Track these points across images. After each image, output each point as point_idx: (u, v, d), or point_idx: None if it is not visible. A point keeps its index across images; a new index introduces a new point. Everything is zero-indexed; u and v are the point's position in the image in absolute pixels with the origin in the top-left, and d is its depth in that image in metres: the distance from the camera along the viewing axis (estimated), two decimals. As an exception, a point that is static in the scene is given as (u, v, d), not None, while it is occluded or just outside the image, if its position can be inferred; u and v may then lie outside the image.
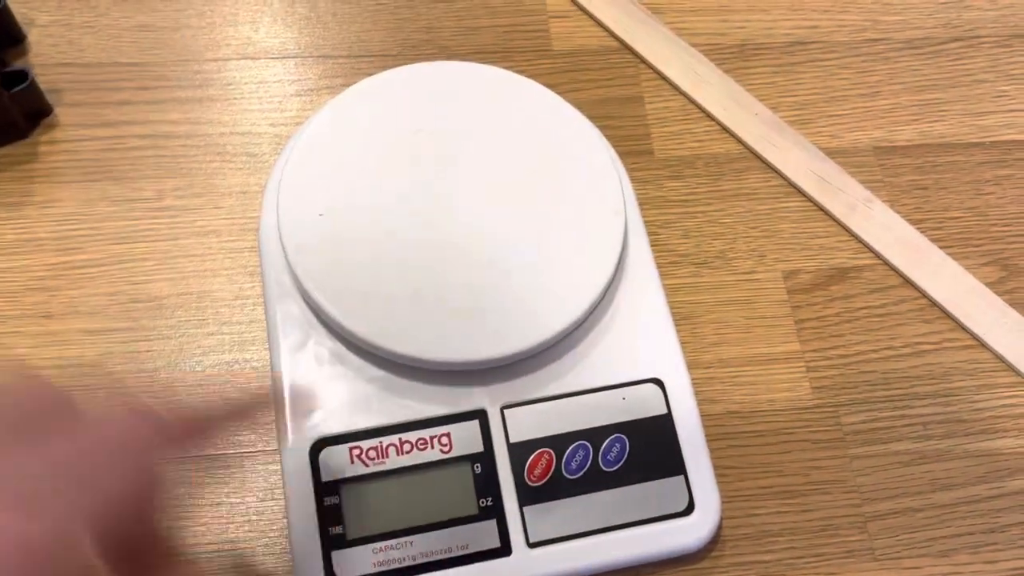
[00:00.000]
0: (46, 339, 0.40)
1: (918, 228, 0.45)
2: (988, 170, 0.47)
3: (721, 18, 0.50)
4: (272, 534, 0.37)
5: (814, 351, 0.42)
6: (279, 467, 0.37)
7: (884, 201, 0.46)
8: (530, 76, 0.43)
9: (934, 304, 0.43)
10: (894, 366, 0.42)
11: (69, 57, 0.46)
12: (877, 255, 0.44)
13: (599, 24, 0.49)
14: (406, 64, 0.43)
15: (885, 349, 0.43)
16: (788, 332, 0.43)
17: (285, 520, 0.36)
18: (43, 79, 0.44)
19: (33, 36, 0.46)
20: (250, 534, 0.37)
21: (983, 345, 0.43)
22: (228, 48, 0.47)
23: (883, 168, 0.47)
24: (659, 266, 0.41)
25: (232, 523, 0.37)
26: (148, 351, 0.40)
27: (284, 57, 0.47)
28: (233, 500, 0.37)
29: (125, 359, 0.39)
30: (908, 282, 0.44)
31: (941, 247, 0.45)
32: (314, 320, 0.38)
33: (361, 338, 0.37)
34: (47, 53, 0.45)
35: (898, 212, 0.46)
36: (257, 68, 0.47)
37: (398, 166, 0.40)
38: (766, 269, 0.44)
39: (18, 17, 0.45)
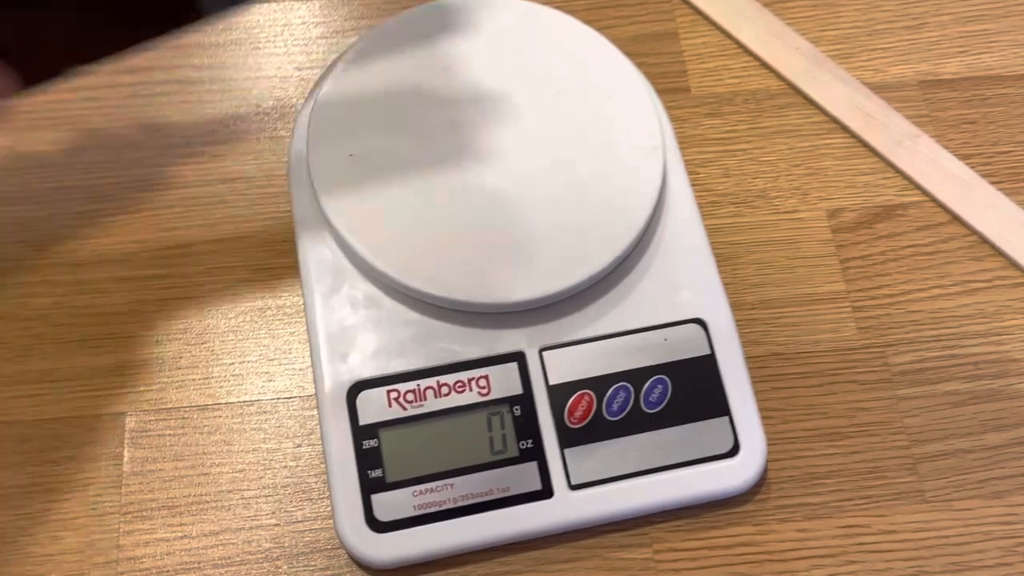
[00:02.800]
0: (77, 287, 0.39)
1: (967, 163, 0.43)
2: (1039, 103, 0.45)
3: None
4: (311, 480, 0.36)
5: (860, 291, 0.41)
6: (316, 412, 0.37)
7: (931, 136, 0.44)
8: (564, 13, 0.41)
9: (984, 241, 0.42)
10: (943, 305, 0.41)
11: (90, 3, 0.45)
12: (924, 192, 0.43)
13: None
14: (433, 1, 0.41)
15: (934, 288, 0.41)
16: (833, 272, 0.41)
17: (323, 465, 0.36)
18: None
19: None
20: (288, 480, 0.36)
21: (1036, 282, 0.41)
22: (251, -9, 0.46)
23: (929, 102, 0.45)
24: (699, 206, 0.40)
25: (270, 469, 0.37)
26: (178, 298, 0.39)
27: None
28: (270, 446, 0.37)
29: (157, 306, 0.39)
30: (956, 219, 0.42)
31: (991, 182, 0.43)
32: (347, 263, 0.37)
33: (396, 281, 0.36)
34: None
35: (945, 147, 0.44)
36: (281, 11, 0.45)
37: (428, 105, 0.39)
38: (809, 208, 0.43)
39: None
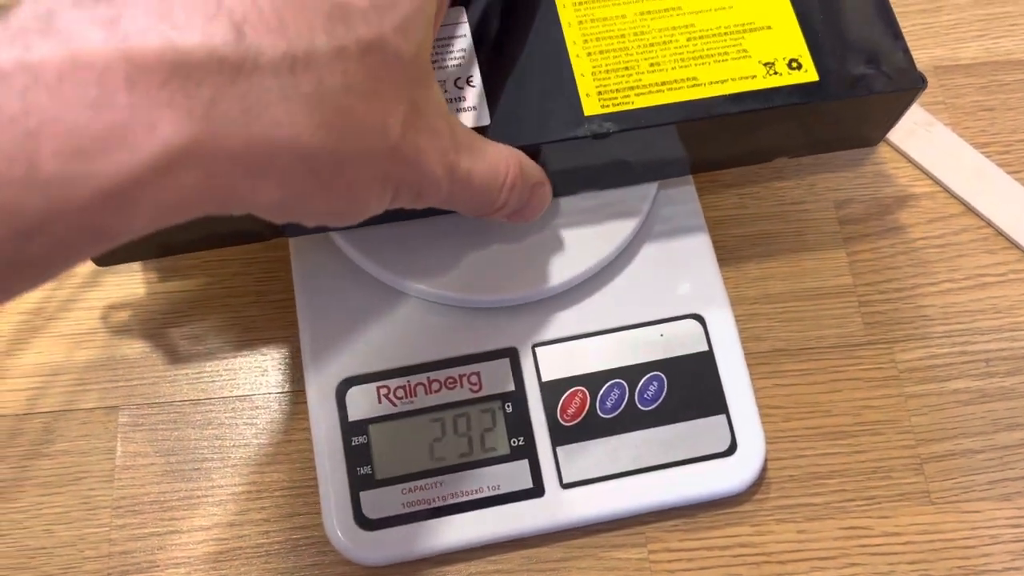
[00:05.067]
0: (69, 280, 0.39)
1: (983, 152, 0.42)
2: (1061, 88, 0.43)
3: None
4: (301, 476, 0.36)
5: (867, 284, 0.40)
6: (306, 407, 0.37)
7: (946, 124, 0.42)
8: None
9: (999, 233, 0.40)
10: (954, 299, 0.39)
11: None
12: (937, 181, 0.41)
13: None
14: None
15: (945, 282, 0.40)
16: (839, 265, 0.40)
17: (314, 461, 0.35)
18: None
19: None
20: (279, 476, 0.36)
21: (1053, 276, 0.40)
22: None
23: (944, 88, 0.44)
24: (700, 197, 0.39)
25: (261, 465, 0.36)
26: (172, 291, 0.39)
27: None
28: (261, 441, 0.37)
29: (149, 299, 0.39)
30: (970, 210, 0.41)
31: (1008, 172, 0.41)
32: (338, 259, 0.37)
33: (387, 276, 0.35)
34: None
35: (961, 136, 0.42)
36: None
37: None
38: (816, 198, 0.41)
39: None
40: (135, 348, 0.38)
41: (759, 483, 0.36)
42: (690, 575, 0.35)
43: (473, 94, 0.33)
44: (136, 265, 0.39)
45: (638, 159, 0.35)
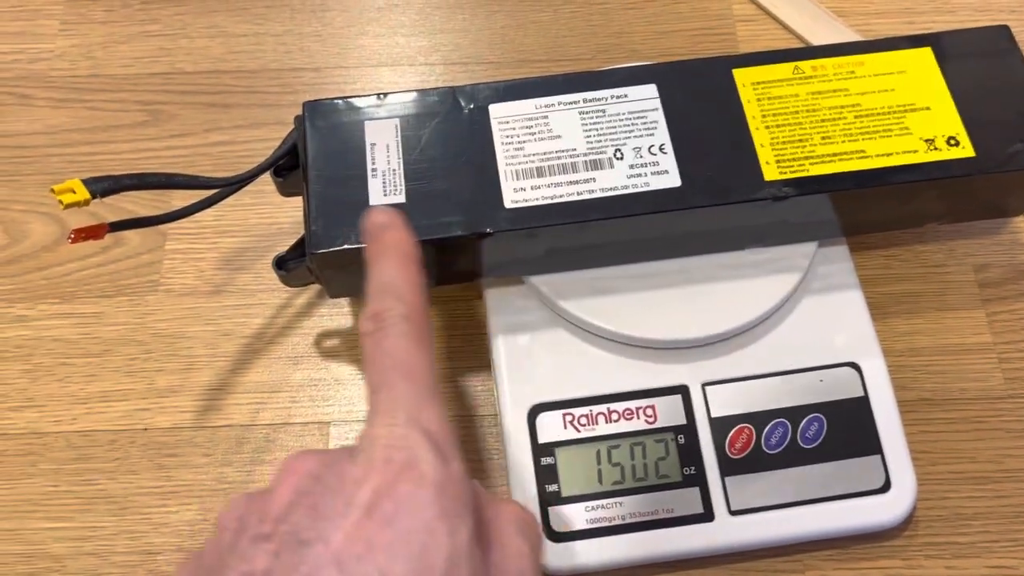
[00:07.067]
0: (279, 309, 0.45)
1: (1115, 225, 0.45)
2: None
3: (906, 20, 0.52)
4: (494, 489, 0.40)
5: (1006, 343, 0.43)
6: (499, 430, 0.41)
7: (1078, 198, 0.46)
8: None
9: None
10: (1091, 360, 0.42)
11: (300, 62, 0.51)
12: (1072, 251, 0.45)
13: (784, 27, 0.51)
14: (600, 66, 0.46)
15: (1081, 343, 0.43)
16: (979, 324, 0.43)
17: (505, 477, 0.40)
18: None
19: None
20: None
21: None
22: (437, 54, 0.51)
23: (1076, 166, 0.47)
24: (853, 256, 0.43)
25: (453, 480, 0.41)
26: (375, 323, 0.44)
27: (484, 63, 0.51)
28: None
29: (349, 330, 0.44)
30: (1105, 278, 0.44)
31: None
32: (529, 298, 0.42)
33: (574, 316, 0.40)
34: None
35: (1093, 209, 0.46)
36: (463, 72, 0.51)
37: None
38: (956, 262, 0.45)
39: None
40: (343, 370, 0.43)
41: (909, 520, 0.39)
42: (844, 602, 0.38)
43: (665, 160, 0.38)
44: (344, 301, 0.45)
45: (805, 220, 0.39)
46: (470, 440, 0.42)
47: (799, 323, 0.41)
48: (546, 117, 0.39)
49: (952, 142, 0.38)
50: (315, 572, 0.23)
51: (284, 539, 0.24)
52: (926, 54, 0.40)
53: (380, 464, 0.25)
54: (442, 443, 0.27)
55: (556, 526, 0.38)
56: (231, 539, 0.26)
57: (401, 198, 0.37)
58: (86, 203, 0.33)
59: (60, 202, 0.32)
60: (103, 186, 0.33)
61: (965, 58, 0.40)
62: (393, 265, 0.32)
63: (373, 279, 0.31)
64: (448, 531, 0.25)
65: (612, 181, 0.37)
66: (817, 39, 0.51)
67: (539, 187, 0.37)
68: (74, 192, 0.32)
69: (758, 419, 0.39)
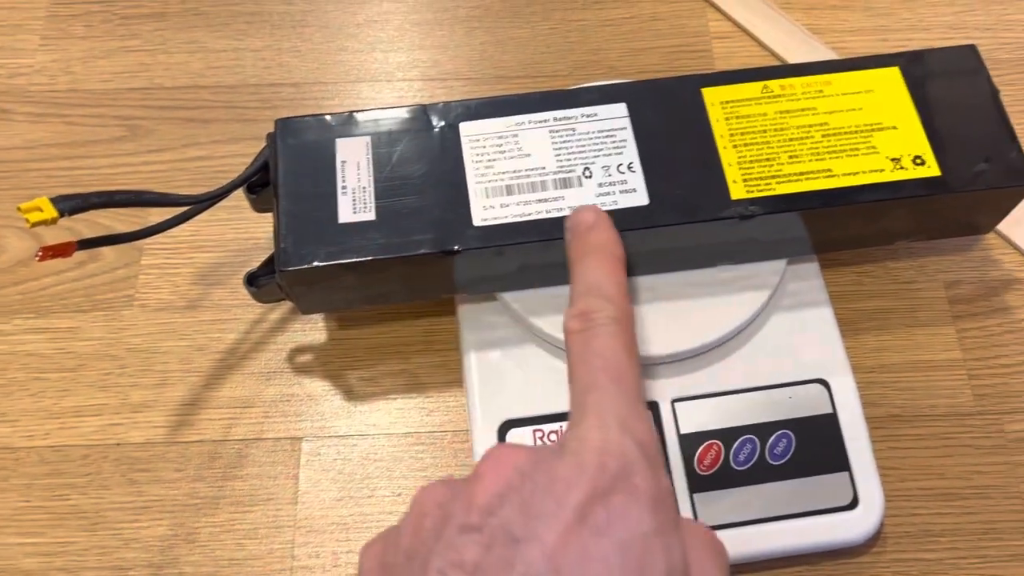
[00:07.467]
0: (268, 326, 0.45)
1: (1085, 242, 0.45)
2: None
3: (881, 37, 0.52)
4: (461, 506, 0.41)
5: (976, 360, 0.43)
6: (467, 445, 0.41)
7: (1049, 215, 0.46)
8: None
9: (1102, 317, 0.44)
10: (1060, 377, 0.43)
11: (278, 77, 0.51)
12: (1042, 268, 0.45)
13: (761, 44, 0.52)
14: (577, 83, 0.46)
15: (1051, 360, 0.43)
16: (950, 340, 0.44)
17: (475, 494, 0.40)
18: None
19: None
20: (441, 505, 0.41)
21: None
22: (416, 70, 0.52)
23: (1047, 183, 0.47)
24: (823, 272, 0.43)
25: (424, 495, 0.41)
26: (351, 338, 0.44)
27: (462, 79, 0.51)
28: (427, 474, 0.41)
29: (331, 345, 0.44)
30: (1074, 295, 0.44)
31: (1110, 262, 0.45)
32: (499, 314, 0.42)
33: (543, 332, 0.40)
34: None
35: (1064, 226, 0.46)
36: (441, 88, 0.51)
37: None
38: (927, 279, 0.45)
39: (237, 43, 0.51)
40: (316, 386, 0.43)
41: (877, 537, 0.39)
42: (812, 619, 0.38)
43: (634, 178, 0.38)
44: (318, 316, 0.45)
45: (773, 238, 0.40)
46: (441, 456, 0.42)
47: (768, 340, 0.41)
48: (516, 135, 0.39)
49: (918, 161, 0.38)
50: (530, 572, 0.23)
51: (495, 533, 0.24)
52: (894, 73, 0.40)
53: (593, 470, 0.25)
54: (652, 455, 0.26)
55: (525, 542, 0.38)
56: (434, 525, 0.25)
57: (371, 216, 0.37)
58: (53, 221, 0.33)
59: (27, 220, 0.32)
60: (71, 204, 0.33)
61: (933, 77, 0.40)
62: (601, 266, 0.32)
63: (579, 278, 0.32)
64: (664, 548, 0.24)
65: (581, 199, 0.38)
66: (793, 57, 0.51)
67: (508, 205, 0.38)
68: (41, 210, 0.32)
69: (727, 435, 0.40)
